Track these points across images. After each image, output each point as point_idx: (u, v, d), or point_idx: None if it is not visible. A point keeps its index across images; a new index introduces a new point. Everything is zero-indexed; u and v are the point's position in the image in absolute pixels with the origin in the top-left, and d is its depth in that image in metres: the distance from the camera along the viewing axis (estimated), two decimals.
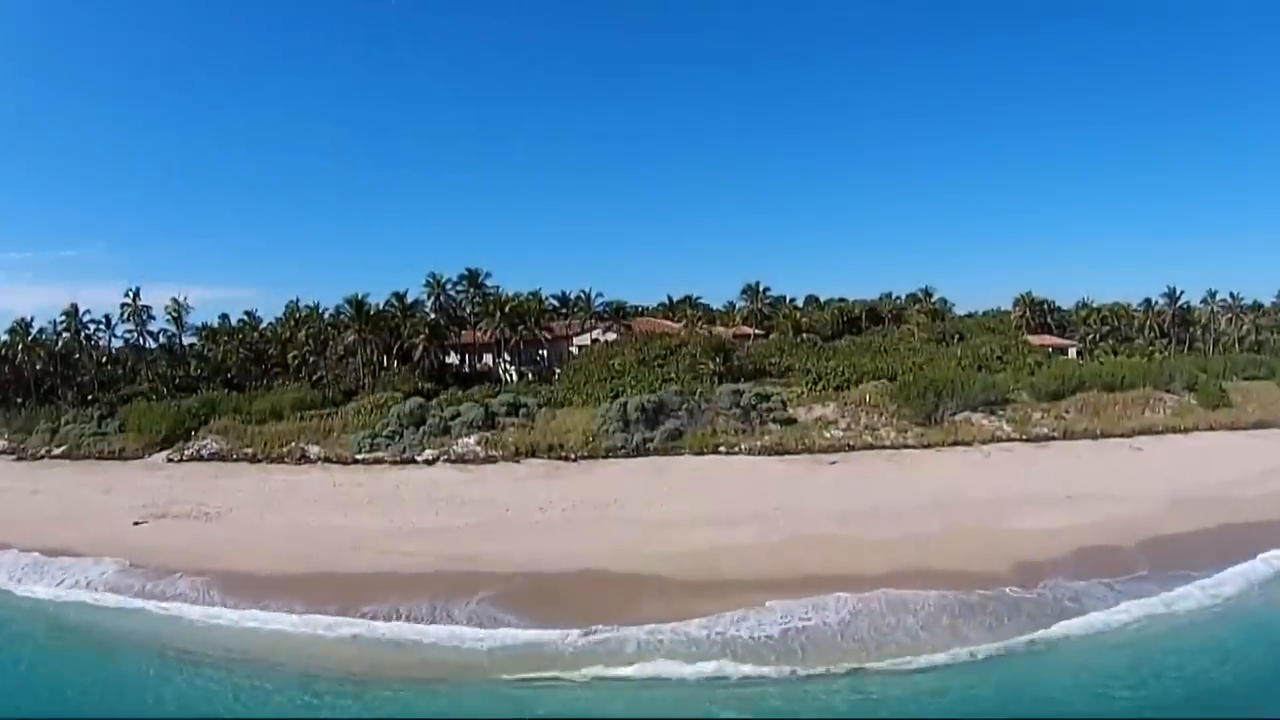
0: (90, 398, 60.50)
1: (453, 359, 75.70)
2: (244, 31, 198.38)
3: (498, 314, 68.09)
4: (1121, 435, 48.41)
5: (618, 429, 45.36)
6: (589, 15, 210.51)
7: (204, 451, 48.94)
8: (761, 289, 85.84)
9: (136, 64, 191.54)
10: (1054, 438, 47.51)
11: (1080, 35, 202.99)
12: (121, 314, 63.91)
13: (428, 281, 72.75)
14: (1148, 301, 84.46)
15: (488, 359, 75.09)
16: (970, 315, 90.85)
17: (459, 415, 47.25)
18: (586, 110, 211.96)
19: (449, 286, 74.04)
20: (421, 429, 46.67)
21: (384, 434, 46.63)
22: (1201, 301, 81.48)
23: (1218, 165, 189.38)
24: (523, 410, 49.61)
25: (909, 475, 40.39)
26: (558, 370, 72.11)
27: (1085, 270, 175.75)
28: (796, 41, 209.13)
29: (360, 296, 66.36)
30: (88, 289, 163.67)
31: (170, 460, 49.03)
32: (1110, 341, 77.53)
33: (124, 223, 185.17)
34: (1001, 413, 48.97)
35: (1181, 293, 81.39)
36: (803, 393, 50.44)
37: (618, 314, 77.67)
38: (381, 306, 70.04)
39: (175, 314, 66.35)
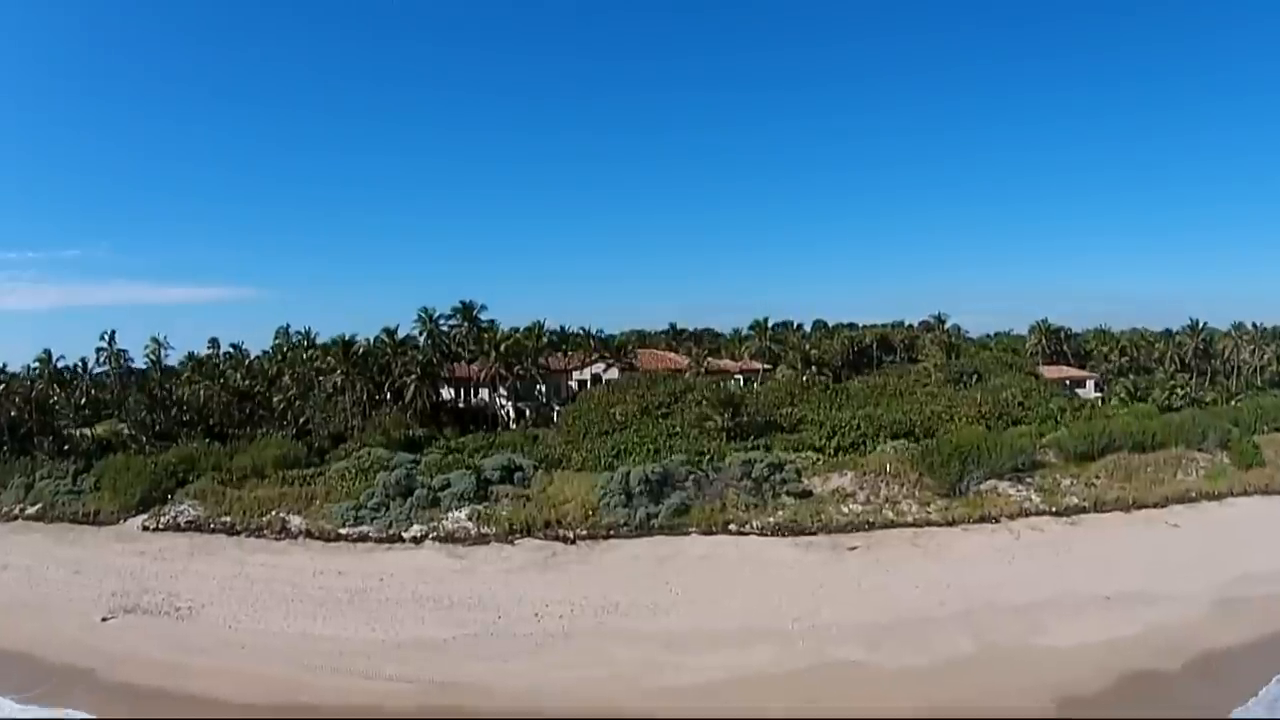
0: (67, 447, 57.70)
1: (448, 393, 72.77)
2: (248, 35, 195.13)
3: (493, 353, 65.08)
4: (1154, 505, 45.74)
5: (619, 503, 42.45)
6: (591, 41, 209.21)
7: (181, 519, 46.10)
8: (769, 324, 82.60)
9: (142, 65, 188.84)
10: (1085, 509, 44.59)
11: (1091, 55, 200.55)
12: (97, 358, 60.88)
13: (420, 316, 69.59)
14: (1168, 332, 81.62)
15: (484, 393, 72.07)
16: (985, 344, 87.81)
17: (449, 485, 44.29)
18: (589, 130, 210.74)
19: (442, 321, 70.89)
20: (409, 500, 43.73)
21: (369, 505, 43.73)
22: (1226, 334, 78.38)
23: (1229, 177, 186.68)
24: (518, 474, 46.74)
25: (936, 566, 37.43)
26: (557, 408, 69.16)
27: (1094, 275, 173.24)
28: (802, 63, 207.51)
29: (348, 337, 63.31)
30: (90, 289, 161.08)
31: (145, 528, 46.19)
32: (1130, 376, 74.58)
33: (127, 223, 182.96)
34: (1030, 480, 45.97)
35: (1204, 324, 78.58)
36: (819, 460, 47.40)
37: (619, 351, 74.53)
38: (371, 342, 67.10)
39: (155, 356, 63.08)
